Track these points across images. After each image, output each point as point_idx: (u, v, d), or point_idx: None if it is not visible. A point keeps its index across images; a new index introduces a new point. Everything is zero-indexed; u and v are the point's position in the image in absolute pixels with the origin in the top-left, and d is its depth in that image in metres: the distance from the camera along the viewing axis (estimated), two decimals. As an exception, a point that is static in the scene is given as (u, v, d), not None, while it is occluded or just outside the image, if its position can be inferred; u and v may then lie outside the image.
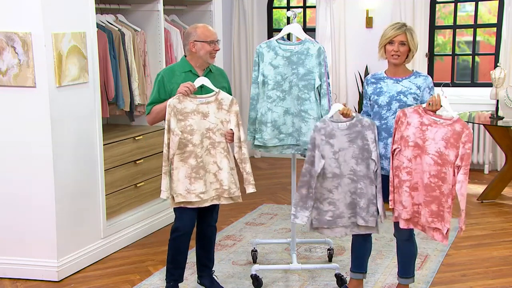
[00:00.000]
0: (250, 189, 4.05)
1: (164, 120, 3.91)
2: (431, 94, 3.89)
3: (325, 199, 3.94)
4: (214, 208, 4.16)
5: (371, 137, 3.87)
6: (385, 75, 3.97)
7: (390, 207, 3.87)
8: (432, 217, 3.71)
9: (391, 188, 3.84)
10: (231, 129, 3.97)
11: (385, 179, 3.91)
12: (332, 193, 3.92)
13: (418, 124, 3.73)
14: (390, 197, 3.84)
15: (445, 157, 3.65)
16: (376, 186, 3.89)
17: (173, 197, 3.95)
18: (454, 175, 3.63)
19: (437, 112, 3.75)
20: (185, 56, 4.09)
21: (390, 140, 3.88)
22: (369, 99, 4.01)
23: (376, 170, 3.88)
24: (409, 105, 3.85)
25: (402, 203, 3.80)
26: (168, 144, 3.89)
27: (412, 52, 3.89)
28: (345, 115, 3.89)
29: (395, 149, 3.78)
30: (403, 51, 3.86)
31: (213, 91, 3.97)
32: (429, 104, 3.70)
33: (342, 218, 3.95)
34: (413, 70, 3.96)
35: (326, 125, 3.91)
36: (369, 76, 4.05)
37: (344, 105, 3.92)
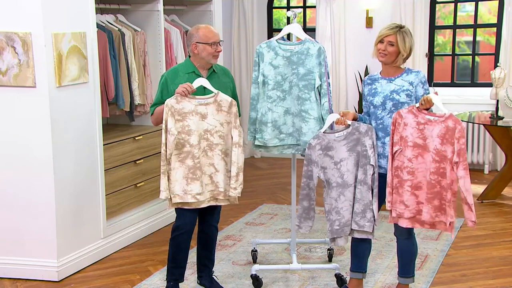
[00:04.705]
0: (230, 192, 3.97)
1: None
2: (425, 89, 3.92)
3: (333, 209, 3.97)
4: (215, 209, 4.16)
5: (369, 143, 3.89)
6: (379, 76, 4.00)
7: (387, 208, 3.87)
8: (436, 212, 3.76)
9: (389, 189, 3.84)
10: None
11: (384, 178, 3.92)
12: (336, 202, 3.95)
13: (414, 124, 3.75)
14: (389, 199, 3.84)
15: (442, 154, 3.70)
16: (372, 191, 3.91)
17: (171, 198, 3.95)
18: (452, 170, 3.68)
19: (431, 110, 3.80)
20: (189, 56, 4.08)
21: (387, 139, 3.89)
22: (366, 100, 4.04)
23: (374, 175, 3.89)
24: (402, 103, 3.87)
25: (404, 203, 3.80)
26: (166, 143, 3.89)
27: (401, 55, 3.89)
28: (341, 125, 3.93)
29: (396, 150, 3.79)
30: (390, 51, 3.87)
31: (212, 92, 3.97)
32: (422, 103, 3.73)
33: (348, 226, 3.97)
34: (405, 68, 3.97)
35: (321, 140, 3.93)
36: (365, 78, 4.10)
37: (344, 113, 3.94)
